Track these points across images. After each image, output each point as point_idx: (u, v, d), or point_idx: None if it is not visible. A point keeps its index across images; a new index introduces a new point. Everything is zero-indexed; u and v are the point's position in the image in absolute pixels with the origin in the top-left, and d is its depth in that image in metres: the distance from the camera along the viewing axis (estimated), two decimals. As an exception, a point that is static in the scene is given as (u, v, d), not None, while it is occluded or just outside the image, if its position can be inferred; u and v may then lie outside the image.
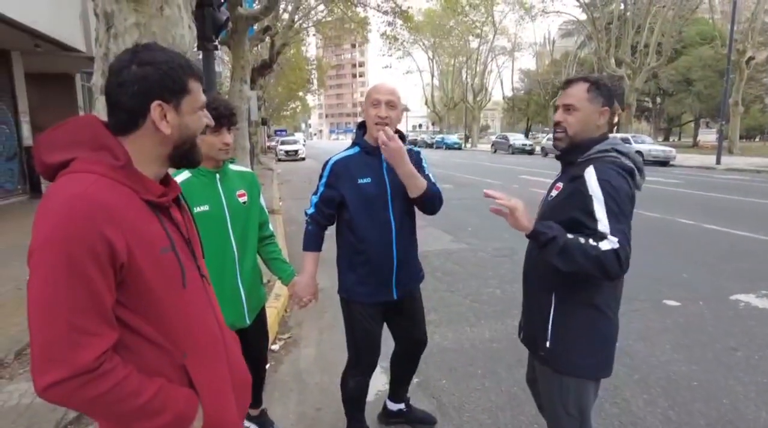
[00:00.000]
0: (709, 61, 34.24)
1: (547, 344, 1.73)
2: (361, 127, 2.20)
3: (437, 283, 5.16)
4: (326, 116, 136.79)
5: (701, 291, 4.75)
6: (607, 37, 30.88)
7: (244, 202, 2.09)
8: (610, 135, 1.77)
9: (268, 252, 2.27)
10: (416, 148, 2.25)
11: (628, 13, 28.63)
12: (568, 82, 1.76)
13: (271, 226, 2.36)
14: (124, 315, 0.97)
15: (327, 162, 2.18)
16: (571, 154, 1.75)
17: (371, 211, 2.10)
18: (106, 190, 0.95)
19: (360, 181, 2.09)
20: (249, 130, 14.91)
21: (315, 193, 2.19)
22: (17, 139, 10.97)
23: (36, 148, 1.01)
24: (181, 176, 1.94)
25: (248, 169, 2.28)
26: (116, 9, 3.29)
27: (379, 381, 3.05)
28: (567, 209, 1.65)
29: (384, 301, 2.24)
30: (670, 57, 31.48)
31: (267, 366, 3.34)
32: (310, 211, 2.18)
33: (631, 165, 1.66)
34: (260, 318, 2.28)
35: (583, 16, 35.42)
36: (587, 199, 1.58)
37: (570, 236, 1.55)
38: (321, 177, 2.18)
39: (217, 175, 2.01)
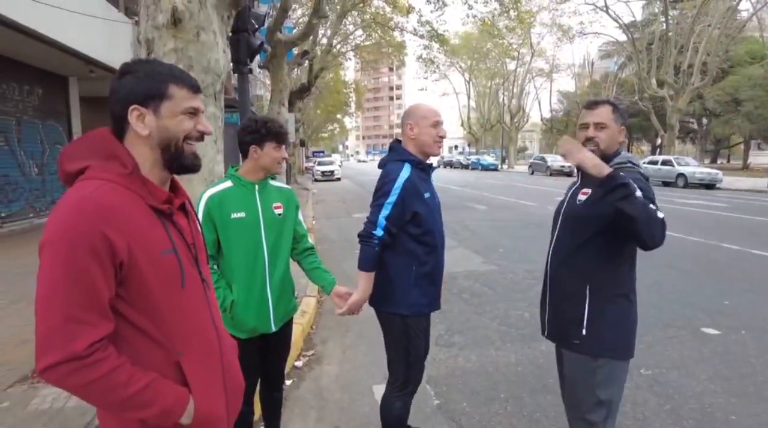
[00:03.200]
0: (760, 80, 32.85)
1: (583, 332, 1.90)
2: (399, 143, 2.29)
3: (464, 305, 5.09)
4: (363, 138, 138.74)
5: (744, 319, 4.50)
6: (648, 58, 30.23)
7: (280, 214, 2.19)
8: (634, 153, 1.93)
9: (309, 262, 2.34)
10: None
11: (671, 33, 27.97)
12: (596, 103, 2.00)
13: (310, 240, 2.44)
14: (125, 310, 1.05)
15: (390, 181, 2.12)
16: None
17: (437, 223, 2.25)
18: (112, 194, 1.04)
19: (426, 196, 2.19)
20: (287, 150, 15.28)
21: (379, 215, 2.11)
22: (70, 158, 11.63)
23: (59, 158, 1.11)
24: (223, 184, 2.12)
25: (287, 186, 2.39)
26: (156, 36, 3.50)
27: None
28: (606, 206, 1.77)
29: (434, 310, 2.34)
30: (716, 77, 30.48)
31: (288, 383, 3.39)
32: (379, 233, 2.10)
33: (646, 175, 1.93)
34: (286, 329, 2.34)
35: (622, 37, 34.87)
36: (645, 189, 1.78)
37: (639, 192, 1.69)
38: (384, 195, 2.12)
39: (256, 186, 2.15)
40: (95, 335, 0.98)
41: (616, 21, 32.09)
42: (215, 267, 2.13)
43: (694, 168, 21.72)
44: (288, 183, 15.47)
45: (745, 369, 3.52)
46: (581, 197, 1.97)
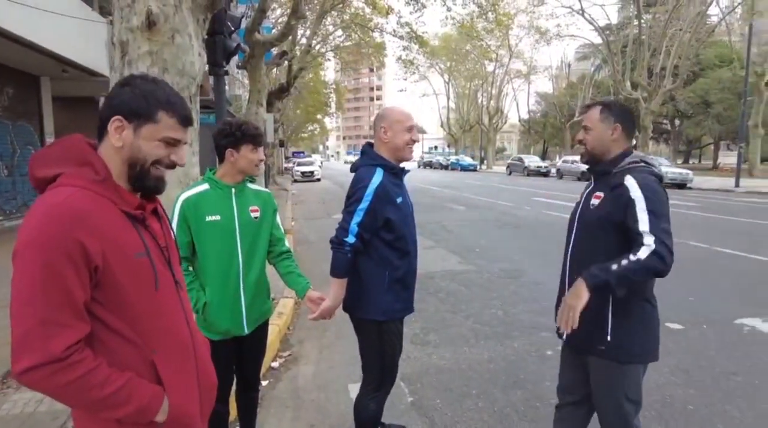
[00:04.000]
0: (728, 83, 33.89)
1: (608, 338, 1.91)
2: (370, 146, 2.29)
3: (440, 304, 5.18)
4: (344, 138, 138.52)
5: (706, 314, 4.69)
6: (623, 60, 30.89)
7: (256, 218, 2.21)
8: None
9: (284, 266, 2.35)
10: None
11: (644, 37, 28.64)
12: (588, 107, 2.10)
13: (287, 243, 2.45)
14: (100, 312, 1.09)
15: (362, 187, 2.12)
16: (601, 166, 2.03)
17: (409, 227, 2.27)
18: (85, 200, 1.07)
19: (398, 200, 2.20)
20: (265, 151, 15.20)
21: (351, 221, 2.10)
22: (42, 159, 11.38)
23: (30, 164, 1.14)
24: (200, 187, 2.14)
25: (265, 189, 2.41)
26: (131, 38, 3.49)
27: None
28: (614, 214, 1.89)
29: (408, 314, 2.37)
30: (687, 79, 31.32)
31: (264, 383, 3.42)
32: (351, 240, 2.10)
33: (660, 173, 1.95)
34: (261, 331, 2.35)
35: (598, 40, 35.57)
36: (630, 202, 1.83)
37: (614, 267, 1.76)
38: (356, 201, 2.11)
39: (233, 190, 2.17)
40: (72, 337, 1.01)
41: (591, 24, 32.81)
42: (189, 269, 2.14)
43: (666, 168, 22.27)
44: (266, 184, 15.42)
45: (704, 361, 3.69)
46: (594, 201, 2.01)
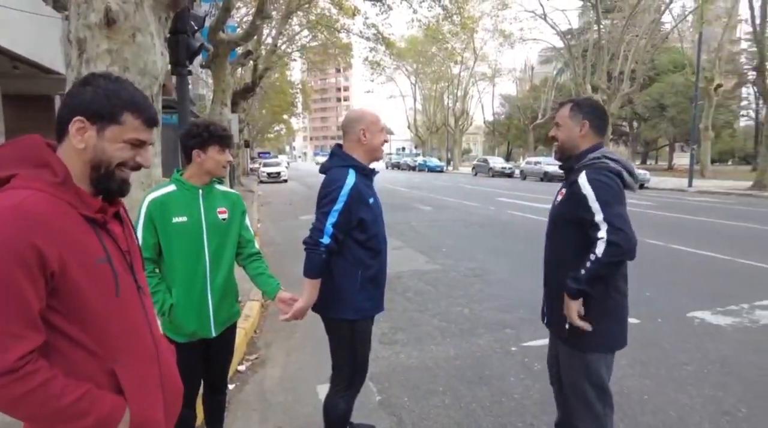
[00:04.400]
0: (681, 87, 35.47)
1: (567, 326, 2.03)
2: (340, 148, 2.31)
3: (408, 304, 5.23)
4: (311, 139, 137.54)
5: (661, 309, 4.90)
6: (584, 64, 31.85)
7: (224, 219, 2.19)
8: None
9: (254, 267, 2.32)
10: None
11: (603, 42, 29.63)
12: (560, 104, 2.23)
13: (257, 245, 2.43)
14: (57, 320, 1.04)
15: (337, 188, 2.13)
16: (568, 162, 2.14)
17: (380, 227, 2.30)
18: (43, 203, 1.01)
19: (370, 201, 2.22)
20: (231, 152, 14.95)
21: (326, 222, 2.11)
22: (-8, 160, 10.86)
23: None
24: (167, 188, 2.12)
25: (234, 191, 2.38)
26: (89, 35, 3.40)
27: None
28: (572, 209, 2.01)
29: (379, 312, 2.39)
30: (643, 83, 32.58)
31: (231, 387, 3.38)
32: (326, 241, 2.10)
33: (619, 168, 1.99)
34: (228, 334, 2.33)
35: (560, 44, 36.56)
36: (582, 198, 1.95)
37: (582, 271, 1.92)
38: (330, 202, 2.12)
39: (200, 191, 2.15)
40: (25, 347, 0.96)
41: (553, 28, 33.71)
42: (156, 271, 2.11)
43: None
44: (232, 185, 15.16)
45: (659, 353, 3.86)
46: (559, 197, 2.15)
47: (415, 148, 67.92)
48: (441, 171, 43.35)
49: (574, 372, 2.10)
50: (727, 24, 30.44)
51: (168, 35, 4.51)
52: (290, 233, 9.88)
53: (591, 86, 30.73)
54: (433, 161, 45.99)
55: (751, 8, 20.47)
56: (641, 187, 22.04)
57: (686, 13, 32.57)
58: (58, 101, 13.86)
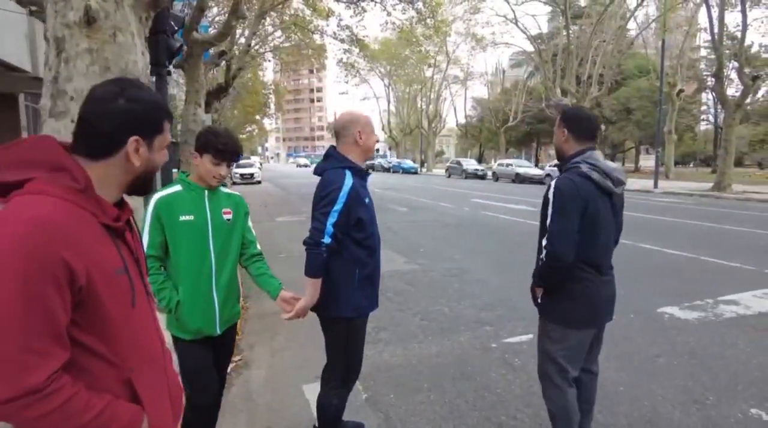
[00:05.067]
0: (646, 92, 36.72)
1: (539, 300, 2.39)
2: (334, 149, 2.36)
3: (388, 303, 5.29)
4: (284, 140, 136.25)
5: (633, 305, 5.10)
6: (554, 68, 32.61)
7: (228, 220, 2.22)
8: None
9: (256, 268, 2.35)
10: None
11: (572, 46, 30.41)
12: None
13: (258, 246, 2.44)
14: (78, 334, 1.00)
15: (336, 189, 2.17)
16: (561, 166, 2.34)
17: (376, 227, 2.38)
18: (67, 214, 0.98)
19: (366, 200, 2.28)
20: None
21: (326, 222, 2.14)
22: (-47, 161, 10.42)
23: None
24: (173, 188, 2.15)
25: (237, 193, 2.40)
26: (68, 34, 3.34)
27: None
28: (544, 210, 2.25)
29: (374, 309, 2.46)
30: (611, 87, 33.54)
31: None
32: (327, 241, 2.13)
33: (588, 171, 2.16)
34: (230, 332, 2.37)
35: (530, 48, 37.32)
36: (547, 202, 2.21)
37: (535, 269, 2.34)
38: (330, 203, 2.15)
39: (206, 192, 2.18)
40: (53, 366, 0.92)
41: (524, 33, 34.36)
42: (162, 269, 2.14)
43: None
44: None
45: (632, 347, 4.03)
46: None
47: (390, 149, 68.19)
48: (415, 172, 43.61)
49: (541, 341, 2.42)
50: (688, 32, 31.73)
51: (147, 35, 4.47)
52: (268, 235, 9.81)
53: (561, 90, 31.48)
54: (407, 163, 46.21)
55: (710, 17, 21.35)
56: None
57: (650, 21, 33.77)
58: (22, 100, 13.39)
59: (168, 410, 1.22)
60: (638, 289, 5.72)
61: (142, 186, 1.18)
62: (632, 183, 26.14)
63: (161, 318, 1.58)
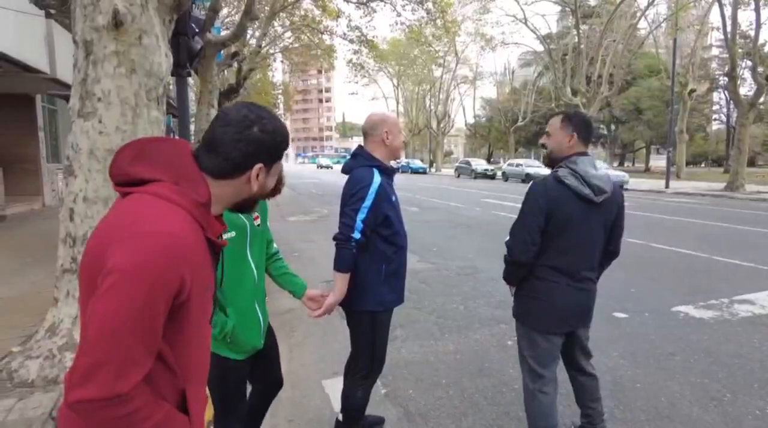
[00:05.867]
0: (657, 91, 36.49)
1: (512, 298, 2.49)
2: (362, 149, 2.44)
3: (405, 301, 5.33)
4: (293, 140, 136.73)
5: (647, 304, 5.13)
6: (563, 68, 32.52)
7: (258, 225, 2.14)
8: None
9: (277, 267, 2.29)
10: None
11: (582, 46, 30.30)
12: (552, 115, 2.39)
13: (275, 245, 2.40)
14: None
15: (365, 186, 2.24)
16: (551, 168, 2.34)
17: (402, 224, 2.43)
18: (192, 231, 1.01)
19: (392, 198, 2.38)
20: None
21: (356, 218, 2.20)
22: (-27, 160, 10.66)
23: (123, 154, 1.06)
24: None
25: None
26: (96, 37, 3.43)
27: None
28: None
29: (400, 303, 2.54)
30: (621, 87, 33.39)
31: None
32: (357, 236, 2.19)
33: (563, 176, 2.17)
34: (272, 336, 2.29)
35: (540, 48, 37.24)
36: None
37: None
38: (360, 200, 2.22)
39: None
40: (140, 376, 0.94)
41: (534, 32, 34.27)
42: None
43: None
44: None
45: (647, 345, 4.06)
46: None
47: (398, 149, 68.03)
48: (424, 172, 43.64)
49: (518, 337, 2.49)
50: (700, 31, 31.45)
51: (170, 37, 4.57)
52: (280, 235, 9.93)
53: (571, 89, 31.38)
54: (416, 163, 46.22)
55: (723, 16, 21.19)
56: (620, 188, 22.62)
57: (661, 20, 33.54)
58: (39, 101, 13.62)
59: (203, 420, 1.22)
60: (652, 288, 5.73)
61: (250, 207, 1.23)
62: (642, 183, 26.00)
63: None
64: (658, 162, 44.03)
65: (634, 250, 7.81)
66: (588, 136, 2.29)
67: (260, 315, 2.08)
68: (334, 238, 2.25)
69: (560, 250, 2.21)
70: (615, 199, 2.31)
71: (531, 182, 2.28)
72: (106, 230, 0.98)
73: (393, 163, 2.56)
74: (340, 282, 2.25)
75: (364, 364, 2.47)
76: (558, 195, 2.15)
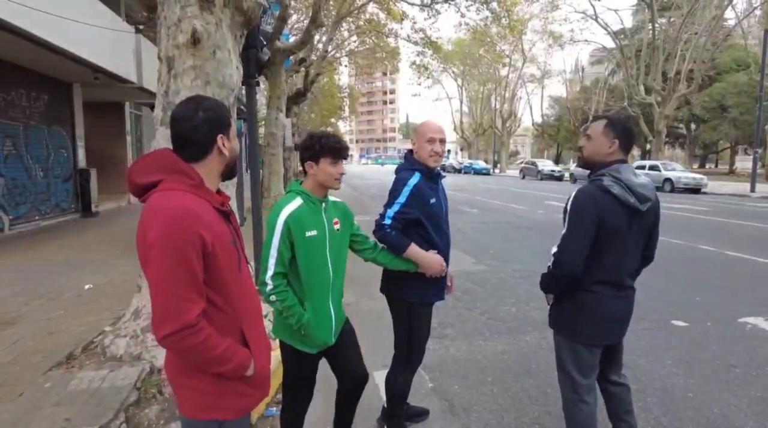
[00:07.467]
0: (745, 87, 33.63)
1: (549, 310, 2.48)
2: (411, 153, 2.64)
3: (455, 301, 5.46)
4: (357, 142, 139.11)
5: (711, 313, 4.91)
6: (637, 65, 30.88)
7: (338, 229, 2.27)
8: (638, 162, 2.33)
9: (384, 255, 2.48)
10: None
11: (658, 41, 28.63)
12: (595, 118, 2.34)
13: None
14: (206, 291, 1.35)
15: (402, 185, 2.45)
16: (590, 173, 2.30)
17: (439, 225, 2.57)
18: (196, 202, 1.34)
19: (431, 201, 2.51)
20: (283, 155, 15.66)
21: (388, 210, 2.42)
22: (73, 162, 11.92)
23: (129, 172, 1.39)
24: (296, 202, 2.14)
25: (340, 200, 2.45)
26: (176, 54, 3.84)
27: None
28: (564, 219, 2.27)
29: (439, 299, 2.68)
30: (702, 83, 31.20)
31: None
32: (387, 222, 2.40)
33: (608, 186, 2.11)
34: (347, 332, 2.40)
35: (612, 44, 35.57)
36: (566, 210, 2.23)
37: (543, 273, 2.40)
38: (396, 196, 2.44)
39: (323, 204, 2.22)
40: (198, 309, 1.29)
41: (605, 29, 32.83)
42: (285, 282, 2.12)
43: (680, 173, 22.31)
44: (284, 187, 15.78)
45: (706, 355, 3.92)
46: None
47: (461, 150, 67.57)
48: (487, 174, 43.00)
49: (556, 352, 2.43)
50: (797, 20, 28.71)
51: (241, 50, 4.97)
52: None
53: (644, 87, 29.76)
54: (479, 163, 45.64)
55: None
56: (697, 191, 21.26)
57: (753, 7, 30.97)
58: (127, 107, 14.95)
59: (268, 359, 1.56)
60: (718, 297, 5.46)
61: (231, 171, 1.53)
62: (724, 186, 24.20)
63: (267, 325, 1.90)
64: (745, 163, 40.65)
65: (703, 257, 7.42)
66: (629, 144, 2.25)
67: (333, 313, 2.23)
68: (374, 232, 2.49)
69: (607, 261, 2.16)
70: (655, 205, 2.27)
71: (575, 191, 2.19)
72: (141, 224, 1.31)
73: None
74: (415, 257, 2.43)
75: (401, 353, 2.67)
76: (605, 206, 2.10)
